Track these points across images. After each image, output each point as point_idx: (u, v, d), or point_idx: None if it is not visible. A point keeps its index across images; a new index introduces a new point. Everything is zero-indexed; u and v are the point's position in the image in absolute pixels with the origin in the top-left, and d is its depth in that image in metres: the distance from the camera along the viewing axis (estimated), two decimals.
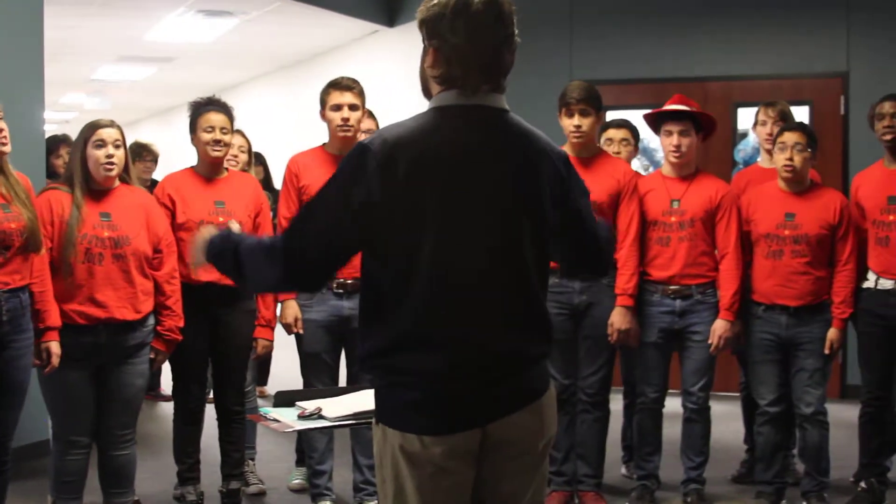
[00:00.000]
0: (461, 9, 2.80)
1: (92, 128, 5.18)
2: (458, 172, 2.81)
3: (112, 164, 5.15)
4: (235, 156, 6.44)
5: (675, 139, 5.88)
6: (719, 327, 5.81)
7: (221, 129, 5.64)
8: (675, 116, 5.91)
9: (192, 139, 5.73)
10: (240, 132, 6.56)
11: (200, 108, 5.71)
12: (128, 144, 5.28)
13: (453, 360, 2.77)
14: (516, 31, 2.91)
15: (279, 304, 5.76)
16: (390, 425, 2.82)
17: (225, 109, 5.73)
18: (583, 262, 3.29)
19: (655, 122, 6.02)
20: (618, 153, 6.41)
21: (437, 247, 2.75)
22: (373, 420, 2.92)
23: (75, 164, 5.17)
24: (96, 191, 5.19)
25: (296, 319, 5.62)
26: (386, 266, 2.80)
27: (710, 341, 5.83)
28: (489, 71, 2.86)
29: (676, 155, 5.90)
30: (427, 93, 2.98)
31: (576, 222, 3.10)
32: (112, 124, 5.24)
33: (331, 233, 2.80)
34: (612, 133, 6.49)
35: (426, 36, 2.89)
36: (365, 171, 2.74)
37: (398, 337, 2.79)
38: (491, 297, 2.83)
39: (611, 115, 8.04)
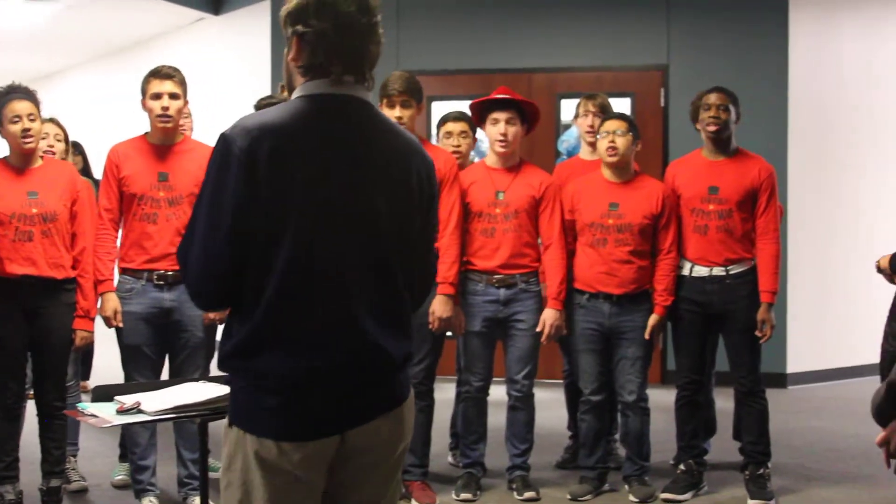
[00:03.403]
0: None
1: None
2: (323, 161, 2.69)
3: None
4: (52, 146, 6.25)
5: (501, 127, 5.94)
6: (550, 316, 5.90)
7: (29, 116, 5.44)
8: (501, 105, 5.97)
9: (0, 132, 5.54)
10: (54, 121, 6.38)
11: (3, 98, 5.48)
12: None
13: (317, 363, 2.65)
14: (380, 22, 2.85)
15: (99, 296, 5.64)
16: (247, 429, 2.68)
17: (29, 96, 5.52)
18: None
19: (480, 113, 6.07)
20: (458, 146, 6.42)
21: (298, 241, 2.63)
22: (225, 420, 2.77)
23: None
24: None
25: (115, 312, 5.51)
26: (248, 260, 2.65)
27: (539, 330, 5.91)
28: (355, 60, 2.78)
29: (503, 143, 5.96)
30: (291, 88, 2.87)
31: (424, 238, 2.99)
32: None
33: (216, 234, 2.64)
34: (450, 126, 6.48)
35: (290, 24, 2.79)
36: (230, 163, 2.62)
37: (259, 336, 2.65)
38: (356, 294, 2.71)
39: (437, 106, 8.11)
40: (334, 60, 2.75)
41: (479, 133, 6.42)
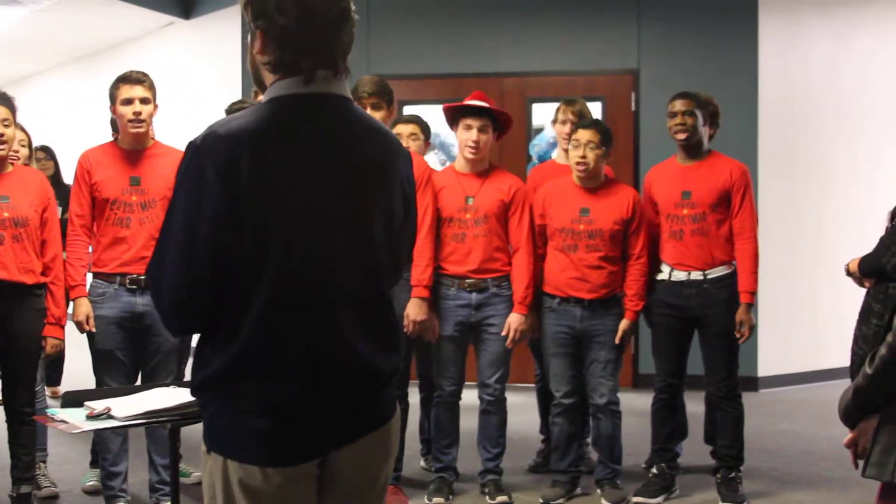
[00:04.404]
0: None
1: None
2: (303, 172, 2.50)
3: None
4: (16, 151, 6.21)
5: (473, 134, 5.92)
6: (514, 320, 5.89)
7: (3, 121, 5.44)
8: (475, 112, 5.95)
9: None
10: (18, 125, 6.34)
11: None
12: None
13: (303, 385, 2.50)
14: (352, 6, 2.63)
15: (70, 302, 5.61)
16: (227, 455, 2.53)
17: (5, 101, 5.52)
18: None
19: (453, 116, 6.06)
20: (406, 147, 6.42)
21: (285, 260, 2.47)
22: (202, 448, 2.60)
23: None
24: None
25: (87, 317, 5.48)
26: (227, 279, 2.47)
27: (504, 334, 5.90)
28: (326, 52, 2.57)
29: (473, 150, 5.94)
30: (260, 83, 2.65)
31: (405, 238, 2.86)
32: None
33: (194, 255, 2.45)
34: (400, 128, 6.47)
35: (252, 18, 2.56)
36: (205, 177, 2.42)
37: (242, 361, 2.47)
38: (345, 309, 2.55)
39: (408, 110, 8.10)
40: (303, 56, 2.54)
41: (451, 137, 6.40)
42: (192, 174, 2.46)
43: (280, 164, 2.47)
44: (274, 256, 2.46)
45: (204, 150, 2.44)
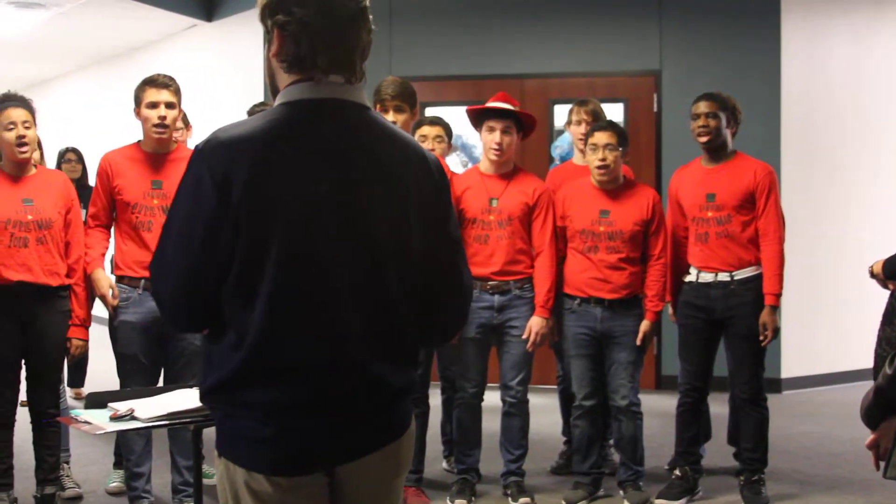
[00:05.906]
0: None
1: None
2: (307, 178, 2.45)
3: None
4: None
5: (497, 136, 5.91)
6: (535, 324, 5.88)
7: (24, 123, 5.46)
8: (498, 114, 5.95)
9: None
10: None
11: None
12: None
13: (307, 392, 2.46)
14: (369, 8, 2.61)
15: (92, 299, 5.63)
16: (235, 461, 2.52)
17: (24, 104, 5.54)
18: (435, 310, 2.71)
19: (477, 117, 6.06)
20: (432, 150, 6.43)
21: (285, 266, 2.41)
22: (215, 451, 2.58)
23: None
24: None
25: (110, 287, 5.49)
26: (228, 288, 2.45)
27: (525, 337, 5.89)
28: (343, 50, 2.53)
29: (497, 152, 5.94)
30: (275, 89, 2.62)
31: (442, 245, 2.70)
32: None
33: (190, 253, 2.45)
34: (426, 130, 6.47)
35: (269, 15, 2.54)
36: (203, 183, 2.41)
37: (247, 368, 2.44)
38: (349, 320, 2.48)
39: (430, 112, 8.10)
40: (320, 51, 2.50)
41: (473, 139, 6.39)
42: (192, 178, 2.46)
43: (279, 172, 2.43)
44: (273, 264, 2.41)
45: (204, 155, 2.44)
